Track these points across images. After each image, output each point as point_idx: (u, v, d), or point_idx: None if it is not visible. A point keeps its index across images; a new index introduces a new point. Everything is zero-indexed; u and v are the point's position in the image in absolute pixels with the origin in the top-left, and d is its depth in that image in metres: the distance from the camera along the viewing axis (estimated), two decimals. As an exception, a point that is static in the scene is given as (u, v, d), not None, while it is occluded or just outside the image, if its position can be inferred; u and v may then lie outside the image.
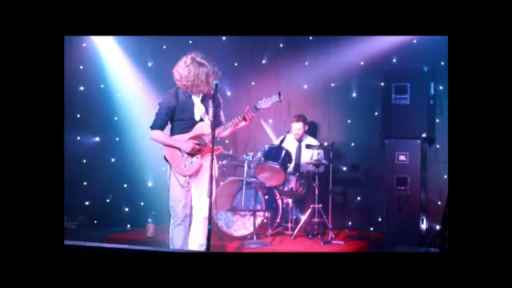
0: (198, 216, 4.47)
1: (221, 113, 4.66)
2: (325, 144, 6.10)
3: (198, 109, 4.49)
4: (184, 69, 4.37)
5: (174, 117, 4.50)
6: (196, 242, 4.45)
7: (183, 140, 4.44)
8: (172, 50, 7.12)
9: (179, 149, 4.44)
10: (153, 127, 4.49)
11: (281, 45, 6.96)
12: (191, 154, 4.44)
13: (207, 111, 4.48)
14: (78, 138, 7.19)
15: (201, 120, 4.49)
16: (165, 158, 4.50)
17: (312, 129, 6.82)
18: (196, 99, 4.49)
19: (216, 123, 4.44)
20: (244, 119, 4.49)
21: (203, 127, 4.47)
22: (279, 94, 4.57)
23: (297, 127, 6.37)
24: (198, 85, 4.38)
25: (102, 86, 7.21)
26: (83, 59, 7.11)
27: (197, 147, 4.41)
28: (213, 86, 4.27)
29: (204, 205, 4.29)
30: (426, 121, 5.67)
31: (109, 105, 7.22)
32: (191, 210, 4.59)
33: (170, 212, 4.55)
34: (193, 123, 4.48)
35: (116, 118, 7.26)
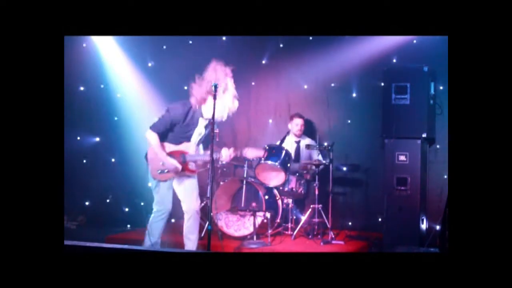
0: (189, 212, 4.69)
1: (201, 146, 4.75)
2: (325, 144, 6.10)
3: (197, 133, 4.60)
4: (210, 73, 4.40)
5: (173, 128, 4.57)
6: (191, 235, 4.69)
7: (168, 156, 4.54)
8: (172, 50, 7.12)
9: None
10: (152, 128, 4.53)
11: (281, 45, 6.97)
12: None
13: (200, 135, 4.63)
14: (78, 138, 7.19)
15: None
16: (145, 156, 4.69)
17: (312, 129, 6.82)
18: (201, 123, 4.58)
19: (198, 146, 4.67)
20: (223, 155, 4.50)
21: (190, 147, 4.60)
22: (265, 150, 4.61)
23: (299, 122, 6.39)
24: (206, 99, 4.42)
25: (102, 86, 7.21)
26: (83, 59, 7.11)
27: (178, 168, 4.55)
28: (212, 87, 4.23)
29: (192, 200, 4.65)
30: (426, 121, 5.67)
31: (109, 105, 7.22)
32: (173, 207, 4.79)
33: (153, 206, 4.72)
34: (186, 140, 4.60)
35: (116, 118, 7.25)
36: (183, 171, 4.60)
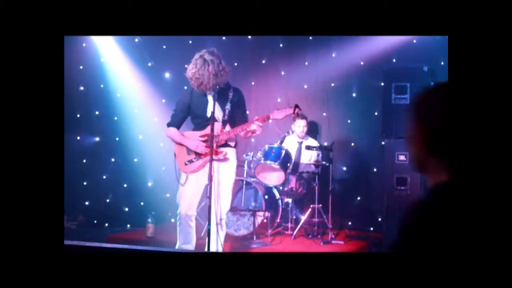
0: (212, 222, 4.35)
1: (244, 114, 4.54)
2: (325, 144, 6.10)
3: (211, 107, 4.38)
4: (192, 67, 4.36)
5: (191, 115, 4.52)
6: (213, 248, 4.37)
7: (192, 138, 4.44)
8: (172, 50, 7.12)
9: (186, 146, 4.45)
10: (168, 125, 4.54)
11: (281, 45, 6.97)
12: (196, 152, 4.43)
13: (223, 111, 4.44)
14: (78, 138, 7.19)
15: (215, 119, 4.36)
16: (174, 153, 4.54)
17: (312, 129, 6.83)
18: (210, 97, 4.42)
19: (233, 122, 4.44)
20: (253, 123, 4.33)
21: (216, 128, 4.35)
22: (296, 106, 4.30)
23: (302, 124, 6.37)
24: (205, 83, 4.31)
25: (102, 86, 7.21)
26: (83, 59, 7.11)
27: (202, 146, 4.37)
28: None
29: (219, 210, 4.33)
30: (426, 121, 5.67)
31: (109, 105, 7.22)
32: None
33: None
34: (207, 120, 4.41)
35: (116, 118, 7.25)
36: (213, 155, 4.28)
